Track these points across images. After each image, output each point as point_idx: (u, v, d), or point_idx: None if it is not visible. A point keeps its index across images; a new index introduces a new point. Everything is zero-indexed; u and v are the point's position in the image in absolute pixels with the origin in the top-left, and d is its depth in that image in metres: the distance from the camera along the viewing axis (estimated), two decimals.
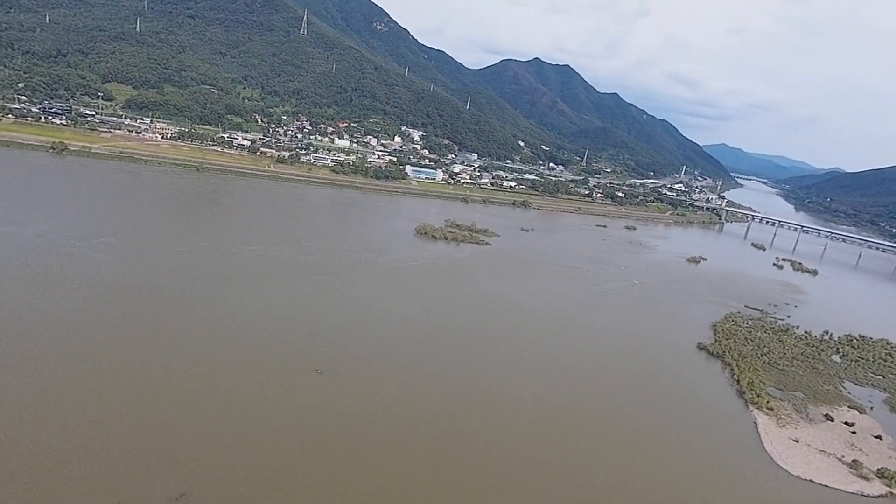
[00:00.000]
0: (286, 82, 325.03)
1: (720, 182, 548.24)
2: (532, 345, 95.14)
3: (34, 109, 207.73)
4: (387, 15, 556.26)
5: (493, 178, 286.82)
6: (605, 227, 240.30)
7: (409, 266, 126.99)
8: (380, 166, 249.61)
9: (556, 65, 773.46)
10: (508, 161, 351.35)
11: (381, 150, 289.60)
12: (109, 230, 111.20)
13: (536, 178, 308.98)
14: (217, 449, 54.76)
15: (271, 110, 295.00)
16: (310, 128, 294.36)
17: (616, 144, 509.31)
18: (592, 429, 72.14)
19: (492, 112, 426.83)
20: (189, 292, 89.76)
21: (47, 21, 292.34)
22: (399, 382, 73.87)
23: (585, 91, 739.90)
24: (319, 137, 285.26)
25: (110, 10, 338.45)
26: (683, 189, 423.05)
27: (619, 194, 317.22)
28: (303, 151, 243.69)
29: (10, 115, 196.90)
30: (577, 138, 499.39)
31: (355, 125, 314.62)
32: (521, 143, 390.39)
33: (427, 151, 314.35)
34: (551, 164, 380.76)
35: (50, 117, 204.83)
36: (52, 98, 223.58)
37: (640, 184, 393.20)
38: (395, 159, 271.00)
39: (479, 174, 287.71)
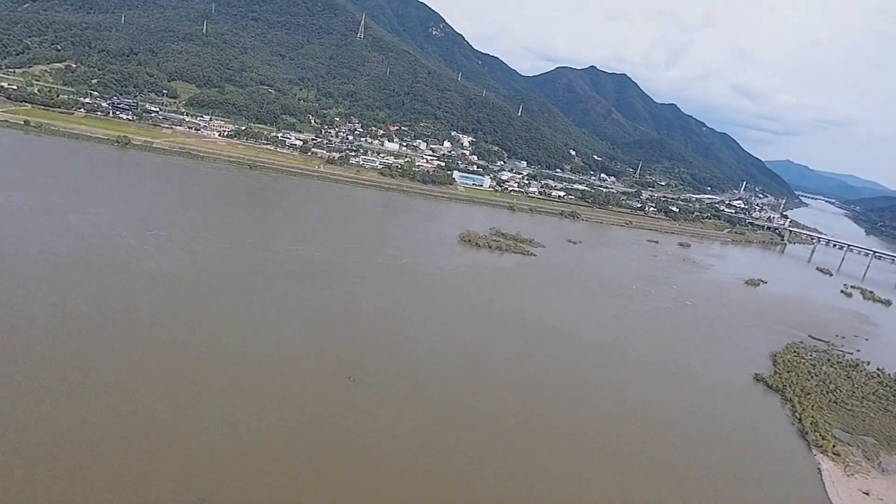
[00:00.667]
0: (341, 84, 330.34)
1: (783, 200, 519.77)
2: (572, 366, 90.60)
3: (104, 104, 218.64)
4: (443, 20, 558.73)
5: (541, 186, 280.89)
6: (656, 242, 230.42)
7: (450, 274, 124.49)
8: (427, 171, 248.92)
9: (613, 73, 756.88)
10: (558, 170, 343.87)
11: (429, 155, 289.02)
12: (160, 223, 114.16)
13: (586, 188, 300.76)
14: (239, 454, 53.52)
15: (325, 111, 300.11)
16: (361, 130, 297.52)
17: (672, 157, 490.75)
18: (635, 464, 66.87)
19: (543, 119, 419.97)
20: (229, 290, 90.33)
21: (122, 21, 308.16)
22: (430, 395, 71.22)
23: (642, 101, 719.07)
24: (370, 140, 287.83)
25: (180, 12, 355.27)
26: (743, 206, 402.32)
27: (674, 209, 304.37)
28: (352, 153, 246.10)
29: (81, 110, 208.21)
30: (630, 149, 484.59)
31: (406, 129, 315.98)
32: (573, 153, 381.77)
33: (476, 157, 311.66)
34: (603, 175, 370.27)
35: (118, 112, 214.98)
36: (121, 94, 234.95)
37: (696, 199, 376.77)
38: (443, 164, 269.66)
39: (527, 182, 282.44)
